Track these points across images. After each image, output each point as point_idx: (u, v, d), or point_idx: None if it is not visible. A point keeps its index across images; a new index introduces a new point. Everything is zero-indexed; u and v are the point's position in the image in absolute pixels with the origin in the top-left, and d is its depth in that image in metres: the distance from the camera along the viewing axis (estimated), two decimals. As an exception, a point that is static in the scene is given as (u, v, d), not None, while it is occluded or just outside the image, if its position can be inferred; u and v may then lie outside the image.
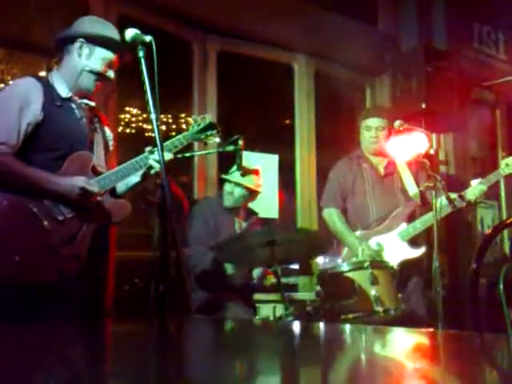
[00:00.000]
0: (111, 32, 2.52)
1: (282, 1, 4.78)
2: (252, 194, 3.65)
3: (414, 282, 3.64)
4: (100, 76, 2.51)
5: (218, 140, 2.78)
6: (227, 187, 3.64)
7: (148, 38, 2.25)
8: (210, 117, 2.80)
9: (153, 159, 2.46)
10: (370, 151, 3.83)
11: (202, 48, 4.52)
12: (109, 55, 2.51)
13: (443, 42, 5.39)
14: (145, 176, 2.56)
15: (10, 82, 3.10)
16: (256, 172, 3.65)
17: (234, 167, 3.55)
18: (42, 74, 2.72)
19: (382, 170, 3.83)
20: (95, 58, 2.49)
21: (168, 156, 2.47)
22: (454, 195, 3.52)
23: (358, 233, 3.68)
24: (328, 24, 4.79)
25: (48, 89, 2.43)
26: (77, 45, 2.48)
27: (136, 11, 4.00)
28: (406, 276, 3.51)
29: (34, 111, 2.35)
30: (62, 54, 2.52)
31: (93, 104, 2.57)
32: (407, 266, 3.49)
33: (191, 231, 3.58)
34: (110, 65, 2.53)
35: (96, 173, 2.49)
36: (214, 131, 2.72)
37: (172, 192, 2.16)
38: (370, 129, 3.79)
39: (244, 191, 3.60)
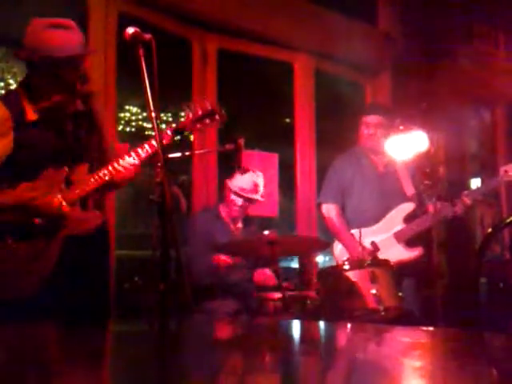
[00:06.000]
0: None
1: (282, -1, 4.78)
2: (252, 202, 3.67)
3: (405, 282, 3.58)
4: None
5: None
6: (232, 196, 3.65)
7: (148, 37, 2.25)
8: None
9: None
10: (366, 147, 3.81)
11: (202, 46, 4.50)
12: None
13: (443, 41, 5.39)
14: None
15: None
16: (257, 176, 3.66)
17: (237, 175, 3.58)
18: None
19: (381, 168, 3.81)
20: None
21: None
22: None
23: (353, 231, 3.66)
24: (328, 23, 4.79)
25: (16, 107, 2.38)
26: None
27: (136, 9, 4.00)
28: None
29: (6, 145, 2.31)
30: None
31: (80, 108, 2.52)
32: (399, 266, 3.46)
33: (191, 245, 3.58)
34: None
35: (71, 184, 2.43)
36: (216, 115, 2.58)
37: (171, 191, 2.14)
38: (368, 125, 3.77)
39: (244, 201, 3.62)
